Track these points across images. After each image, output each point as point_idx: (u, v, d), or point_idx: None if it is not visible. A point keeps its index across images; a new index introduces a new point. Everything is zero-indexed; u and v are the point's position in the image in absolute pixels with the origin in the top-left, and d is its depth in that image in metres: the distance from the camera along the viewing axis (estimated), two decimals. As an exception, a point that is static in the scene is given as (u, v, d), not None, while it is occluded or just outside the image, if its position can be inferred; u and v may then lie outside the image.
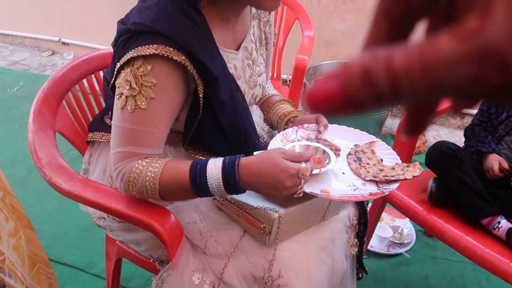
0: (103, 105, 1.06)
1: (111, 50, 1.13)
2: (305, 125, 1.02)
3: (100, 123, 1.00)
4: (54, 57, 3.42)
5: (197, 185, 0.75)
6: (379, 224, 1.71)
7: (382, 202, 1.39)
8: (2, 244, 0.66)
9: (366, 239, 1.36)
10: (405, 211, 1.24)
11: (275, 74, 2.10)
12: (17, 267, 0.71)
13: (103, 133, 0.98)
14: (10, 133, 2.36)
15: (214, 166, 0.75)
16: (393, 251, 1.67)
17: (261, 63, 1.00)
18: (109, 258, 1.18)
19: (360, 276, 1.16)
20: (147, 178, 0.76)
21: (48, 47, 3.49)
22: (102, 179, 0.97)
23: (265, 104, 1.14)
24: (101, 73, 1.15)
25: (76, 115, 1.08)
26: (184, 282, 0.84)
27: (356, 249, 1.07)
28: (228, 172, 0.74)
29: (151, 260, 0.98)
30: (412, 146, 1.34)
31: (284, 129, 1.06)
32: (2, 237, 0.66)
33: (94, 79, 1.13)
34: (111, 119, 0.97)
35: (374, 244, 1.67)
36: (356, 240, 1.06)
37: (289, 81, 2.70)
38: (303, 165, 0.75)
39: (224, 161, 0.75)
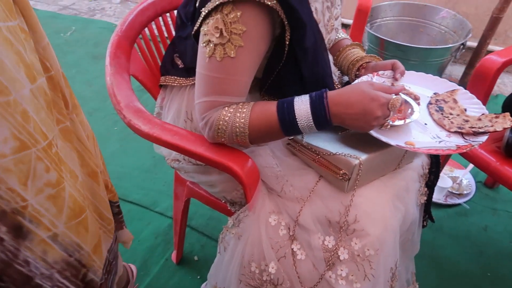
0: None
1: (178, -10, 1.11)
2: (380, 72, 0.98)
3: (171, 66, 1.00)
4: (102, 1, 3.42)
5: (286, 123, 0.76)
6: (437, 174, 1.68)
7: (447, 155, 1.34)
8: (27, 191, 0.68)
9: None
10: (475, 161, 1.20)
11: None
12: (46, 215, 0.73)
13: (176, 77, 0.99)
14: (68, 78, 2.41)
15: (301, 102, 0.75)
16: (451, 201, 1.64)
17: (339, 5, 0.94)
18: (178, 198, 1.23)
19: (425, 224, 1.16)
20: (237, 124, 0.77)
21: (96, -10, 3.48)
22: (176, 123, 0.99)
23: (335, 48, 1.09)
24: (168, 15, 1.13)
25: (147, 58, 1.09)
26: (261, 223, 0.87)
27: (425, 198, 1.05)
28: (316, 105, 0.74)
29: (223, 201, 1.02)
30: (487, 97, 1.26)
31: (356, 75, 1.02)
32: (31, 184, 0.67)
33: (161, 22, 1.12)
34: (182, 60, 0.97)
35: (432, 193, 1.65)
36: (426, 189, 1.05)
37: (343, 24, 2.57)
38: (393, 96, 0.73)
39: (311, 96, 0.75)
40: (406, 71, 0.98)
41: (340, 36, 1.11)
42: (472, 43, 2.23)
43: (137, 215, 1.59)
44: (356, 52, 1.05)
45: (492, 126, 0.82)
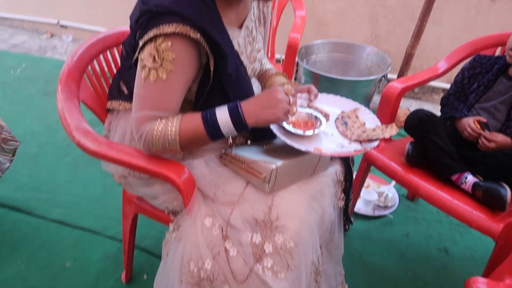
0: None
1: (123, 29, 1.28)
2: (298, 95, 1.17)
3: (117, 92, 1.13)
4: (53, 39, 3.50)
5: (211, 130, 0.91)
6: (365, 189, 1.88)
7: (366, 166, 1.55)
8: None
9: (352, 198, 1.52)
10: (386, 172, 1.41)
11: (269, 53, 2.23)
12: None
13: (121, 102, 1.12)
14: (18, 114, 2.46)
15: (222, 111, 0.93)
16: (378, 213, 1.84)
17: (260, 40, 1.14)
18: (126, 216, 1.33)
19: (347, 227, 1.33)
20: (169, 133, 0.91)
21: (47, 29, 3.56)
22: (122, 143, 1.11)
23: (262, 76, 1.28)
24: (115, 49, 1.28)
25: (95, 86, 1.21)
26: (197, 225, 0.99)
27: (343, 203, 1.23)
28: (232, 105, 0.92)
29: (166, 212, 1.14)
30: (393, 116, 1.50)
31: None
32: None
33: (109, 54, 1.26)
34: (126, 87, 1.11)
35: (361, 207, 1.85)
36: (343, 194, 1.22)
37: (282, 60, 2.83)
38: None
39: (228, 106, 0.93)
40: (319, 94, 1.18)
41: (266, 66, 1.31)
42: (394, 76, 2.54)
43: (87, 240, 1.65)
44: (279, 79, 1.24)
45: (382, 134, 1.02)
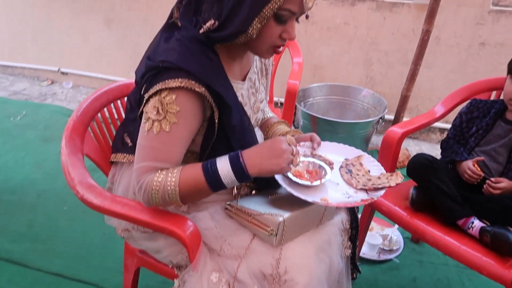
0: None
1: (127, 81, 1.30)
2: (301, 143, 1.18)
3: (121, 144, 1.13)
4: (53, 86, 3.55)
5: (212, 181, 0.89)
6: (369, 233, 1.86)
7: (370, 211, 1.54)
8: None
9: (358, 244, 1.50)
10: (391, 217, 1.40)
11: (267, 97, 2.27)
12: None
13: (125, 154, 1.12)
14: (17, 161, 2.45)
15: (223, 162, 0.91)
16: (383, 257, 1.81)
17: (262, 91, 1.16)
18: (128, 269, 1.29)
19: (355, 276, 1.30)
20: (168, 183, 0.90)
21: (47, 77, 3.62)
22: (126, 195, 1.10)
23: (264, 125, 1.30)
24: (119, 102, 1.30)
25: (99, 139, 1.22)
26: (203, 281, 0.97)
27: (350, 251, 1.21)
28: (234, 154, 0.91)
29: (170, 266, 1.11)
30: (395, 160, 1.51)
31: None
32: None
33: (112, 107, 1.28)
34: (131, 139, 1.12)
35: (366, 251, 1.81)
36: (349, 243, 1.20)
37: (280, 103, 2.88)
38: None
39: (229, 156, 0.92)
40: (322, 142, 1.19)
41: (268, 115, 1.32)
42: (391, 117, 2.58)
43: (85, 293, 1.60)
44: (281, 128, 1.25)
45: (388, 182, 1.02)
